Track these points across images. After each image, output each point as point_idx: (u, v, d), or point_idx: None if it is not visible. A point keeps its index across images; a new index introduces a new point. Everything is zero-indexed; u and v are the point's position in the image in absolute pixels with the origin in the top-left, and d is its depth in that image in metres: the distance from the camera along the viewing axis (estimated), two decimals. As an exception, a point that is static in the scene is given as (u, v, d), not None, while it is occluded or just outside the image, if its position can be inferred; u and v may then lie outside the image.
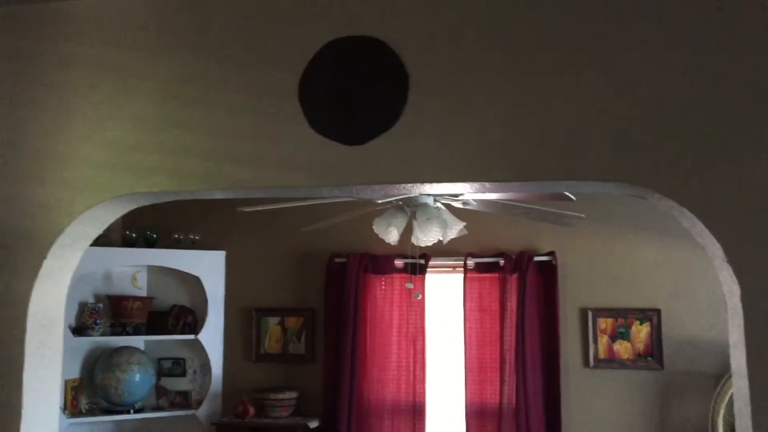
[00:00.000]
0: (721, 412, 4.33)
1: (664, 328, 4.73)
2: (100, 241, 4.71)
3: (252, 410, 4.94)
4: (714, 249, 2.03)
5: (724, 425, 4.33)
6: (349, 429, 4.89)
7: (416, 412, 4.92)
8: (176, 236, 5.27)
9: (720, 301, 4.59)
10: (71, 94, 2.38)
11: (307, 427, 4.85)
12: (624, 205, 4.80)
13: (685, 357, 4.68)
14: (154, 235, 5.24)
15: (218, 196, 2.45)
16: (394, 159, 2.18)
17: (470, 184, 2.20)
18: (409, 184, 2.24)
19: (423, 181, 2.20)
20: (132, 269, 5.28)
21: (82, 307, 4.94)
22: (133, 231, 5.19)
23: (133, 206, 2.46)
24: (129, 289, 5.24)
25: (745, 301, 1.95)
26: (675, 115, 2.03)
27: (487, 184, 2.18)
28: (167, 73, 2.33)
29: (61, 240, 2.35)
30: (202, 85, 2.29)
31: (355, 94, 2.20)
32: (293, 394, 5.03)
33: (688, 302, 4.72)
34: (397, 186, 2.27)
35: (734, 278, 1.97)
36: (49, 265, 2.36)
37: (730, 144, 1.99)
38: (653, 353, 4.72)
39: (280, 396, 4.97)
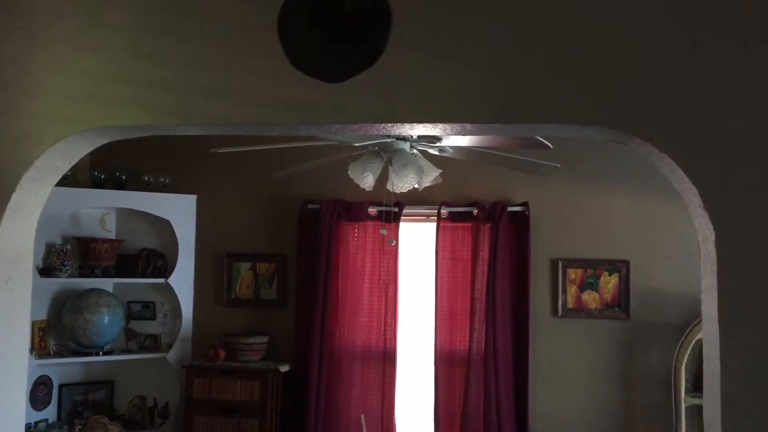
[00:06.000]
0: (684, 360, 4.44)
1: (632, 280, 4.81)
2: (68, 182, 4.63)
3: (223, 354, 4.95)
4: (691, 195, 2.04)
5: (686, 373, 4.45)
6: (320, 374, 4.93)
7: (387, 357, 4.97)
8: (146, 178, 5.17)
9: (687, 254, 4.66)
10: (40, 22, 2.28)
11: (278, 371, 4.88)
12: (597, 157, 4.82)
13: (651, 308, 4.77)
14: (123, 177, 5.15)
15: (192, 131, 2.40)
16: (375, 98, 2.14)
17: (451, 125, 2.18)
18: (389, 124, 2.21)
19: (404, 121, 2.17)
20: (100, 211, 5.20)
21: (50, 248, 4.86)
22: (102, 172, 5.09)
23: (104, 140, 2.39)
24: (97, 231, 5.16)
25: (719, 247, 1.98)
26: (658, 59, 2.01)
27: (468, 125, 2.16)
28: (141, 2, 2.24)
29: (30, 173, 2.28)
30: (178, 15, 2.22)
31: (336, 29, 2.14)
32: (264, 339, 5.04)
33: (656, 255, 4.79)
34: (376, 126, 2.24)
35: (709, 224, 1.99)
36: (17, 198, 2.30)
37: (712, 90, 1.99)
38: (620, 304, 4.81)
39: (251, 340, 4.99)
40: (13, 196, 2.28)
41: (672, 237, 4.74)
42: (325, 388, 4.96)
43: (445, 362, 4.93)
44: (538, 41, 2.06)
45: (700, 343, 3.98)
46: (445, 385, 4.91)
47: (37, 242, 2.49)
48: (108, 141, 2.41)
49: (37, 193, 2.38)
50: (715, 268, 1.99)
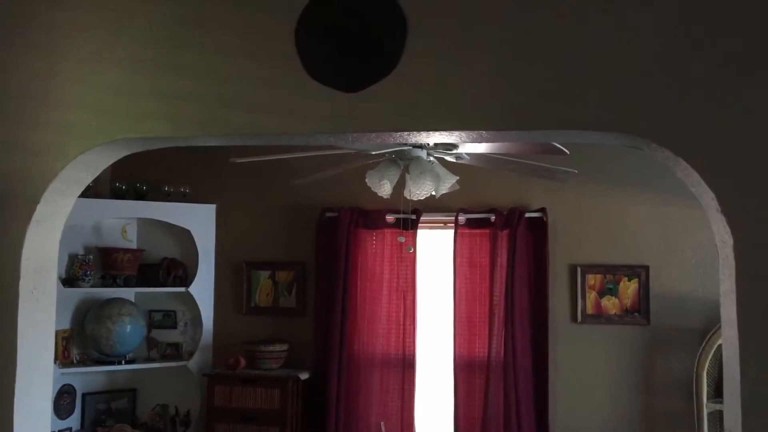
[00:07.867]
0: (706, 366, 4.41)
1: (652, 285, 4.78)
2: (89, 193, 4.69)
3: (243, 362, 4.98)
4: (708, 199, 2.04)
5: (708, 379, 4.42)
6: (340, 381, 4.95)
7: (406, 365, 4.98)
8: (166, 189, 5.23)
9: (707, 258, 4.65)
10: (64, 36, 2.33)
11: (298, 378, 4.90)
12: (615, 162, 4.81)
13: (672, 313, 4.74)
14: (144, 188, 5.21)
15: (213, 142, 2.44)
16: (392, 107, 2.16)
17: (467, 132, 2.19)
18: (406, 133, 2.23)
19: (420, 129, 2.19)
20: (121, 221, 5.26)
21: (72, 259, 4.93)
22: (123, 183, 5.16)
23: (126, 152, 2.44)
24: (119, 242, 5.22)
25: (737, 251, 1.97)
26: (673, 63, 2.02)
27: (484, 132, 2.18)
28: (162, 15, 2.28)
29: (54, 185, 2.33)
30: (198, 28, 2.26)
31: (353, 39, 2.17)
32: (284, 347, 5.07)
33: (676, 259, 4.76)
34: (393, 134, 2.26)
35: (727, 229, 1.99)
36: (42, 210, 2.35)
37: (727, 94, 1.99)
38: (640, 309, 4.78)
39: (271, 348, 5.01)
40: (38, 207, 2.33)
41: (691, 241, 4.72)
42: (345, 396, 4.98)
43: (465, 369, 4.93)
44: (556, 48, 2.07)
45: (721, 347, 3.95)
46: (464, 392, 4.91)
47: (60, 253, 2.53)
48: (130, 152, 2.46)
49: (60, 204, 2.42)
50: (733, 272, 1.98)
